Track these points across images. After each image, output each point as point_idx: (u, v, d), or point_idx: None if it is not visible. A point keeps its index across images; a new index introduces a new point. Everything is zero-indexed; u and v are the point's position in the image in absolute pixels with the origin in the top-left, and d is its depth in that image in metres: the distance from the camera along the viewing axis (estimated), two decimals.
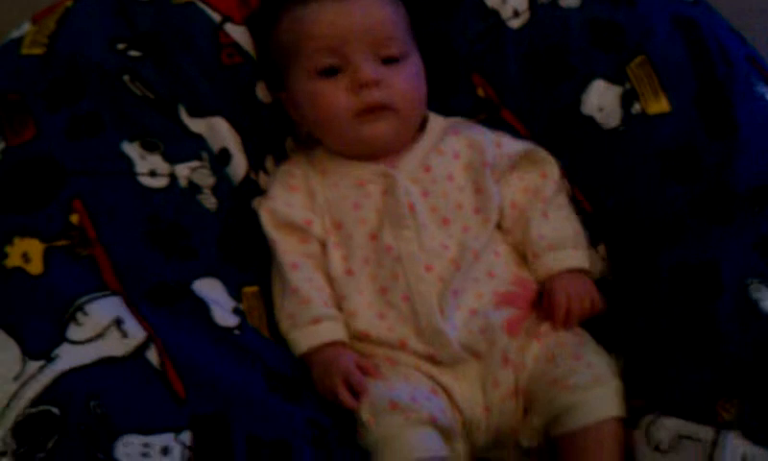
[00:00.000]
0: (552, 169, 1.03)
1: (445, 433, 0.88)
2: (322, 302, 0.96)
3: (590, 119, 1.04)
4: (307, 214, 0.99)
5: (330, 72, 0.98)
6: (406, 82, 1.00)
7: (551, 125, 1.07)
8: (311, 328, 0.94)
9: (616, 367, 0.92)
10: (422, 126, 1.05)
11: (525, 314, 0.96)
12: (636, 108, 1.01)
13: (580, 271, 0.99)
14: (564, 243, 0.99)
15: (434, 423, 0.87)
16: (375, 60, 0.98)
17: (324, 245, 0.99)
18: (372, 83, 0.97)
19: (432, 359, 0.93)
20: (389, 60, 0.99)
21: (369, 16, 0.99)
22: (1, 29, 1.01)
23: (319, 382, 0.92)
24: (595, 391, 0.88)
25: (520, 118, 1.09)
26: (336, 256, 0.98)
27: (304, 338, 0.94)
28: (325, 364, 0.92)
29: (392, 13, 1.02)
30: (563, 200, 1.03)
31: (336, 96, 0.97)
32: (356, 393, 0.89)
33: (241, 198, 1.02)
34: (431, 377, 0.92)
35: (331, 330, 0.95)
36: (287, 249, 0.98)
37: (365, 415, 0.88)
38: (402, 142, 1.02)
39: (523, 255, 1.01)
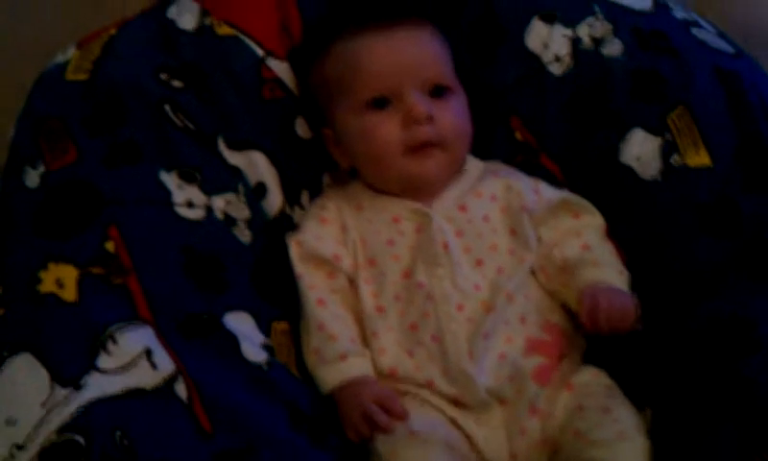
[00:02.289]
0: (589, 215, 1.02)
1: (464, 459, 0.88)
2: (348, 338, 0.95)
3: (629, 168, 1.03)
4: (337, 249, 0.99)
5: (380, 103, 0.98)
6: (455, 117, 1.00)
7: (589, 172, 1.06)
8: (337, 365, 0.93)
9: (644, 424, 0.90)
10: (459, 167, 1.04)
11: (555, 363, 0.94)
12: (676, 159, 1.00)
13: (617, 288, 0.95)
14: (607, 263, 0.97)
15: (454, 448, 0.87)
16: (425, 94, 0.98)
17: (352, 281, 0.99)
18: (425, 119, 0.97)
19: (456, 402, 0.92)
20: (437, 94, 0.99)
21: (419, 51, 1.00)
22: (47, 51, 1.02)
23: (344, 419, 0.91)
24: (619, 446, 0.86)
25: (558, 163, 1.08)
26: (367, 292, 0.97)
27: (330, 375, 0.93)
28: (350, 400, 0.91)
29: (441, 50, 1.03)
30: (605, 241, 1.01)
31: (387, 130, 0.98)
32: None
33: (275, 232, 1.02)
34: (453, 421, 0.91)
35: (358, 367, 0.94)
36: (314, 283, 0.98)
37: (381, 448, 0.88)
38: (446, 179, 1.02)
39: (552, 290, 0.98)
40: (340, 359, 0.94)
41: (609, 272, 0.96)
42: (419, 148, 0.98)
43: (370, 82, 0.98)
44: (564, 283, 0.97)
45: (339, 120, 1.02)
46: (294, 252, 0.99)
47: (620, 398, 0.92)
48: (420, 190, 1.00)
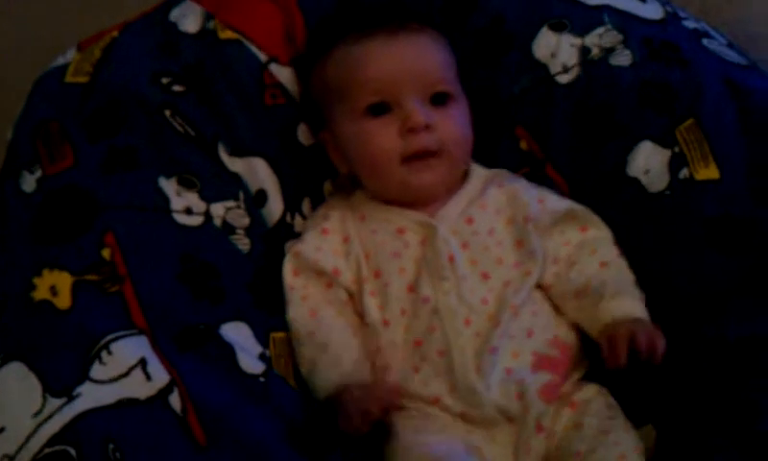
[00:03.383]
0: (596, 228, 1.00)
1: None
2: (341, 344, 0.94)
3: (636, 181, 1.01)
4: (337, 261, 0.98)
5: (378, 110, 0.97)
6: (455, 125, 0.99)
7: (595, 184, 1.04)
8: (331, 372, 0.92)
9: (645, 444, 0.88)
10: (464, 175, 1.03)
11: (562, 381, 0.93)
12: (684, 172, 0.98)
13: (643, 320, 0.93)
14: (626, 291, 0.94)
15: None
16: (425, 102, 0.97)
17: (352, 294, 0.97)
18: (423, 127, 0.95)
19: (464, 417, 0.90)
20: (439, 100, 0.98)
21: (421, 58, 0.99)
22: (47, 53, 1.01)
23: (343, 421, 0.89)
24: None
25: (564, 175, 1.06)
26: (372, 305, 0.96)
27: (325, 382, 0.92)
28: (347, 405, 0.89)
29: (443, 57, 1.01)
30: (620, 256, 0.99)
31: (384, 137, 0.96)
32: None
33: (274, 241, 1.01)
34: (465, 438, 0.89)
35: (352, 371, 0.92)
36: (307, 294, 0.97)
37: None
38: (447, 189, 1.00)
39: (563, 310, 0.97)
40: (332, 366, 0.92)
41: (629, 303, 0.93)
42: (416, 157, 0.96)
43: (369, 87, 0.97)
44: (579, 308, 0.95)
45: (338, 125, 1.01)
46: (289, 263, 0.99)
47: (621, 419, 0.90)
48: (421, 200, 0.99)
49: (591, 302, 0.94)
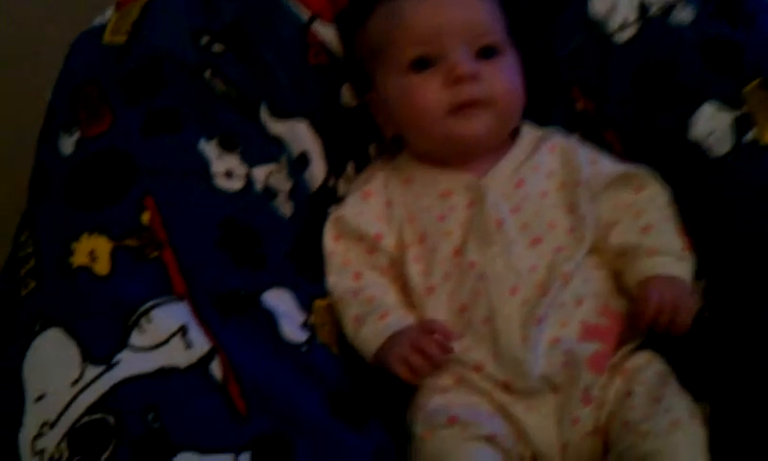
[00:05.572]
0: (652, 188, 0.97)
1: (507, 454, 0.84)
2: (388, 301, 0.93)
3: (697, 145, 0.97)
4: (380, 226, 0.96)
5: (422, 64, 0.94)
6: (503, 76, 0.96)
7: (653, 147, 1.01)
8: (380, 323, 0.91)
9: (700, 412, 0.85)
10: (514, 135, 1.00)
11: (612, 350, 0.90)
12: (749, 136, 0.94)
13: (680, 280, 0.91)
14: (666, 251, 0.92)
15: (493, 441, 0.83)
16: (472, 53, 0.94)
17: (394, 260, 0.95)
18: (469, 77, 0.92)
19: (506, 387, 0.88)
20: (486, 54, 0.95)
21: (467, 9, 0.96)
22: (86, 12, 0.99)
23: (394, 362, 0.88)
24: (672, 438, 0.81)
25: (620, 137, 1.03)
26: (415, 271, 0.93)
27: (374, 334, 0.90)
28: (395, 345, 0.89)
29: (490, 8, 0.98)
30: (668, 219, 0.96)
31: (429, 90, 0.94)
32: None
33: (317, 206, 0.99)
34: (501, 406, 0.87)
35: (401, 320, 0.91)
36: (349, 259, 0.96)
37: (419, 429, 0.86)
38: (496, 143, 0.97)
39: (615, 276, 0.94)
40: (381, 317, 0.91)
41: (668, 261, 0.91)
42: (463, 107, 0.93)
43: (412, 41, 0.95)
44: (621, 267, 0.93)
45: (382, 83, 0.98)
46: (330, 229, 0.97)
47: (674, 385, 0.87)
48: (469, 158, 0.96)
49: (629, 260, 0.92)
